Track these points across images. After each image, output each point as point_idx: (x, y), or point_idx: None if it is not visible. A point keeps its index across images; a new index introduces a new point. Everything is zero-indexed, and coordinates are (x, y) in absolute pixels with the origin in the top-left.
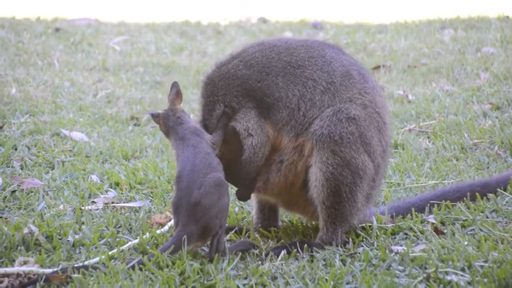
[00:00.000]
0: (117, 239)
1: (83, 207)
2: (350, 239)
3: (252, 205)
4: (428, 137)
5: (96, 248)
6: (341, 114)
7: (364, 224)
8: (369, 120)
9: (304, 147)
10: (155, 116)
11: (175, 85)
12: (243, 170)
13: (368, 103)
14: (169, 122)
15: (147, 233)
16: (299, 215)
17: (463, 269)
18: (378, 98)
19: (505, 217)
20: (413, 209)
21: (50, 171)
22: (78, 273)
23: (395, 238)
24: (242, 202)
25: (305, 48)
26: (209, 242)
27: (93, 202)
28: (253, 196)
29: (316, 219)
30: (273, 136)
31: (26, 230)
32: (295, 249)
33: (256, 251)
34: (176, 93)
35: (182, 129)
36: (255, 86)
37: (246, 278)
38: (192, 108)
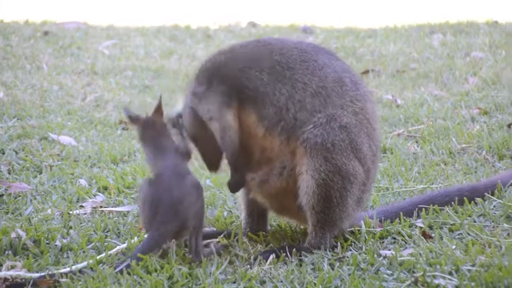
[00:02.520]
0: (106, 244)
1: (71, 212)
2: (338, 243)
3: (241, 209)
4: (416, 142)
5: (84, 252)
6: (334, 123)
7: (352, 228)
8: (359, 126)
9: (296, 154)
10: (134, 119)
11: (160, 98)
12: (226, 157)
13: (358, 110)
14: (147, 130)
15: (136, 238)
16: (290, 219)
17: (450, 273)
18: (369, 104)
19: (493, 221)
20: (401, 213)
21: (38, 176)
22: (66, 277)
23: (383, 242)
24: (231, 206)
25: (298, 50)
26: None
27: (81, 206)
28: (241, 200)
29: (306, 223)
30: (253, 129)
31: (13, 235)
32: (284, 254)
33: (245, 255)
34: (158, 106)
35: (159, 141)
36: (235, 73)
37: (234, 282)
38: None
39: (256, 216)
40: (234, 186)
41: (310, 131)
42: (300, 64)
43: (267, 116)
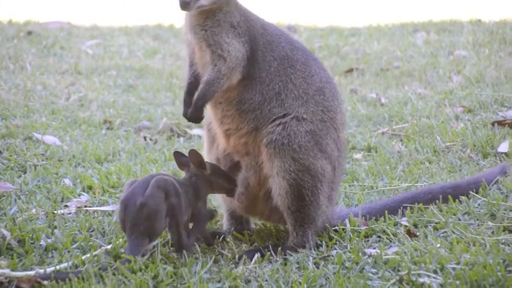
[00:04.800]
0: (90, 243)
1: (55, 211)
2: (323, 242)
3: (223, 210)
4: (401, 140)
5: (68, 252)
6: (301, 127)
7: (337, 227)
8: (325, 131)
9: (262, 153)
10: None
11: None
12: (201, 90)
13: (327, 119)
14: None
15: (120, 238)
16: (262, 221)
17: (435, 271)
18: (339, 115)
19: (477, 219)
20: (386, 211)
21: (22, 175)
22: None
23: (368, 241)
24: (216, 205)
25: (302, 51)
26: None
27: (66, 206)
28: (222, 202)
29: (284, 223)
30: (224, 103)
31: None
32: (269, 252)
33: (230, 255)
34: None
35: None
36: (260, 40)
37: (219, 282)
38: (165, 111)
39: (239, 216)
40: (192, 115)
41: (278, 132)
42: (300, 66)
43: (249, 101)
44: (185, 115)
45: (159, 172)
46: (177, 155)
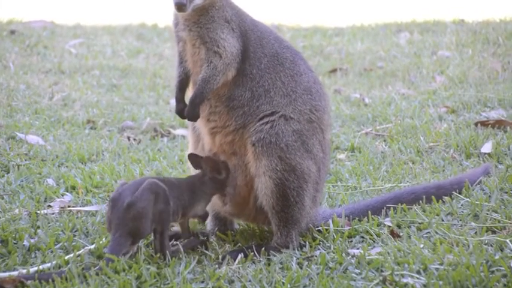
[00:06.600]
0: (74, 243)
1: (38, 211)
2: (307, 242)
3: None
4: (384, 140)
5: (52, 252)
6: (289, 126)
7: (320, 227)
8: (311, 131)
9: (248, 151)
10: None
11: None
12: (198, 88)
13: (315, 119)
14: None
15: (104, 238)
16: (248, 222)
17: (418, 272)
18: (326, 116)
19: (460, 220)
20: (369, 211)
21: (5, 175)
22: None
23: (351, 241)
24: None
25: (290, 50)
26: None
27: (49, 206)
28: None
29: (269, 224)
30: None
31: None
32: (252, 253)
33: (213, 255)
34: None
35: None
36: (251, 35)
37: (203, 282)
38: (148, 111)
39: (223, 217)
40: (191, 114)
41: (266, 130)
42: (289, 64)
43: (239, 97)
44: (178, 112)
45: (146, 175)
46: (192, 156)
